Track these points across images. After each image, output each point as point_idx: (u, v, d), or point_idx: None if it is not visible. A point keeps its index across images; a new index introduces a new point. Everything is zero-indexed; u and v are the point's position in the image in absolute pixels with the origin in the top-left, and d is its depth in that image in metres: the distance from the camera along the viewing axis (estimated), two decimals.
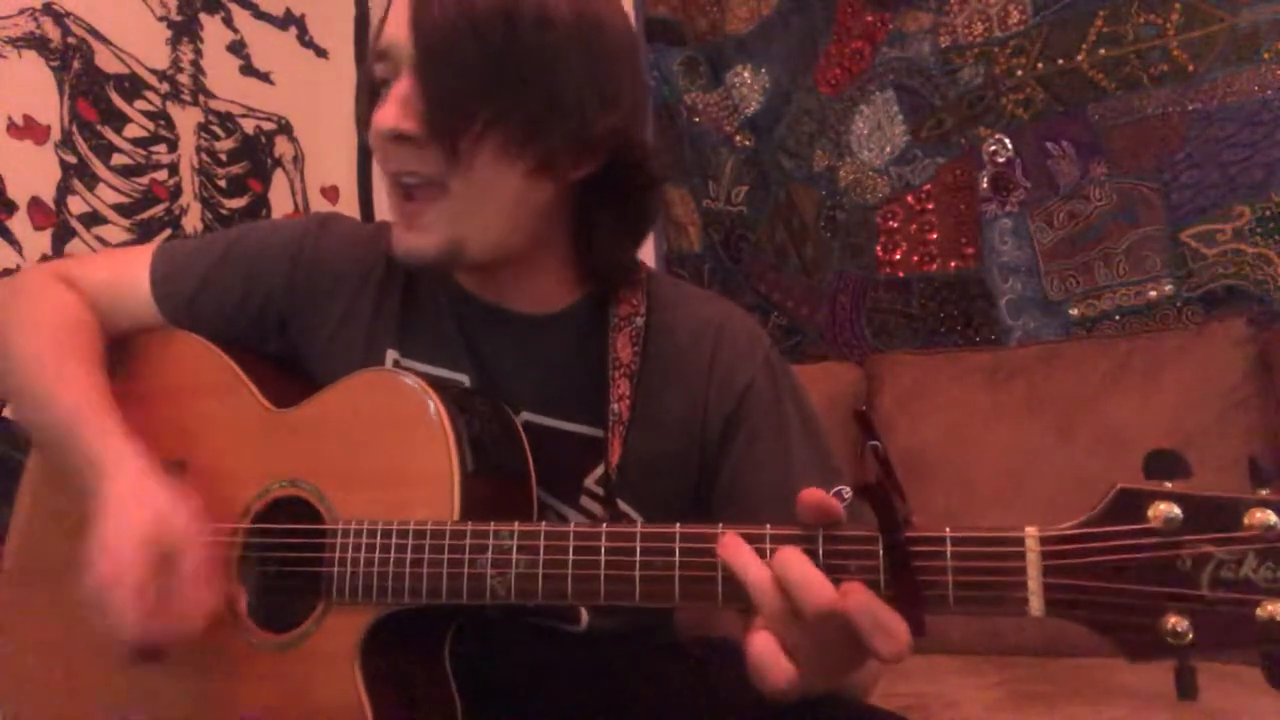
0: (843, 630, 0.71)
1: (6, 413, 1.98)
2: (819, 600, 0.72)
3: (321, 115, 2.81)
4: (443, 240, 0.98)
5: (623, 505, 1.04)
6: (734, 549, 0.77)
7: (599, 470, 1.04)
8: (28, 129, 2.17)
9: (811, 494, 0.76)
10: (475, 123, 0.93)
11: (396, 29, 0.95)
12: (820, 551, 0.75)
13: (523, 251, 1.04)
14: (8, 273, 2.07)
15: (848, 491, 0.99)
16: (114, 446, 0.99)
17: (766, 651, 0.74)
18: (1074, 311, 2.31)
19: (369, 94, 1.01)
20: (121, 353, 1.14)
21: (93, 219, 2.26)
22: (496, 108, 0.93)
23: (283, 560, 0.98)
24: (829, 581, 0.72)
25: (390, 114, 0.94)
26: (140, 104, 2.38)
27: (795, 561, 0.74)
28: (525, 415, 1.06)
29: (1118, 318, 2.26)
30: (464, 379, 1.07)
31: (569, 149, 0.98)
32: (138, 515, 0.93)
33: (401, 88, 0.95)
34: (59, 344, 1.08)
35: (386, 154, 0.97)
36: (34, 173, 2.16)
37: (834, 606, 0.71)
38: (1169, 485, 0.67)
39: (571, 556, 0.84)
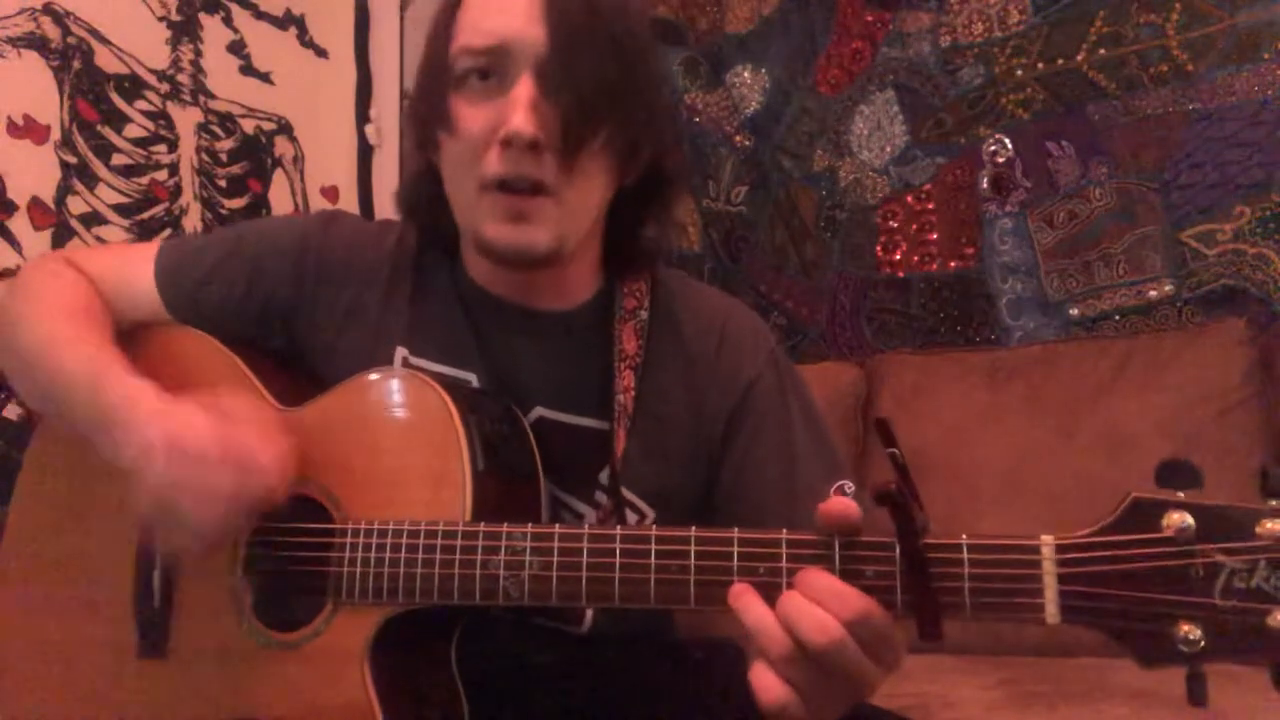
0: (850, 662, 0.73)
1: (6, 412, 1.98)
2: (824, 638, 0.73)
3: (321, 115, 2.81)
4: (554, 237, 0.97)
5: (631, 496, 1.05)
6: (741, 597, 0.78)
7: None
8: (28, 129, 2.16)
9: (831, 507, 0.76)
10: (599, 136, 0.94)
11: (515, 27, 0.94)
12: (837, 558, 0.76)
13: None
14: (7, 273, 2.07)
15: (850, 487, 1.00)
16: (144, 386, 0.96)
17: (758, 676, 0.75)
18: (1074, 311, 2.32)
19: (444, 87, 0.98)
20: (126, 348, 1.12)
21: (93, 219, 2.26)
22: (619, 119, 0.94)
23: (291, 559, 0.97)
24: (832, 617, 0.73)
25: (523, 119, 0.92)
26: (140, 104, 2.38)
27: (796, 605, 0.75)
28: (539, 411, 1.06)
29: (1118, 318, 2.26)
30: (472, 378, 1.07)
31: (647, 159, 1.01)
32: (186, 408, 0.91)
33: (527, 92, 0.93)
34: (73, 315, 1.07)
35: (498, 157, 0.94)
36: (34, 173, 2.16)
37: (838, 640, 0.73)
38: (1181, 495, 0.68)
39: (586, 559, 0.85)
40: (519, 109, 0.92)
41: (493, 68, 0.95)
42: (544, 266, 1.01)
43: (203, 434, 0.89)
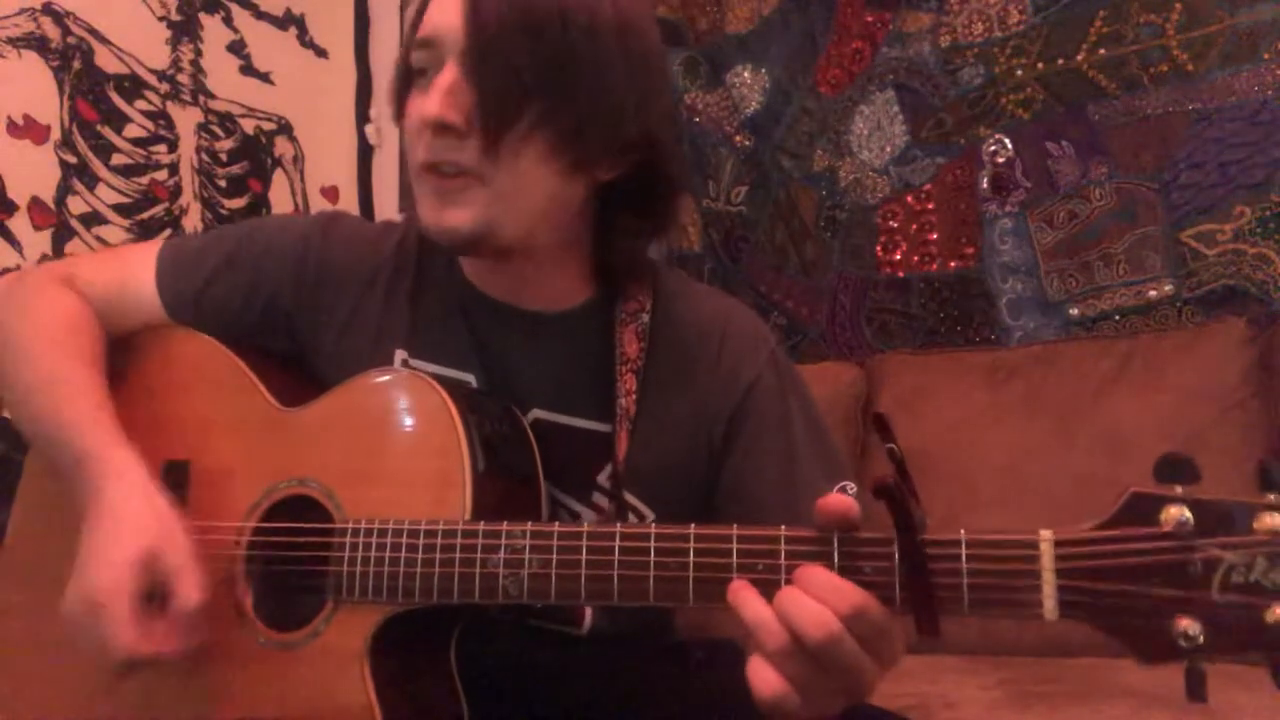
0: (847, 656, 0.73)
1: (6, 412, 1.98)
2: (821, 632, 0.73)
3: (321, 115, 2.81)
4: (477, 220, 0.97)
5: (631, 499, 1.05)
6: (739, 593, 0.78)
7: (609, 466, 1.05)
8: (28, 129, 2.17)
9: (829, 502, 0.77)
10: (522, 120, 0.93)
11: (444, 18, 0.95)
12: (835, 555, 0.76)
13: (546, 248, 1.04)
14: (8, 273, 2.07)
15: (852, 488, 0.99)
16: (116, 453, 0.98)
17: (755, 670, 0.75)
18: (1074, 311, 2.31)
19: (403, 82, 1.01)
20: (128, 350, 1.13)
21: (93, 219, 2.26)
22: (544, 107, 0.93)
23: (291, 559, 0.97)
24: (829, 611, 0.73)
25: (434, 103, 0.94)
26: (140, 104, 2.38)
27: (794, 601, 0.75)
28: (536, 412, 1.06)
29: (1118, 318, 2.26)
30: (471, 379, 1.07)
31: (606, 152, 0.99)
32: (137, 530, 0.92)
33: (447, 78, 0.95)
34: (56, 344, 1.07)
35: (425, 143, 0.97)
36: (34, 173, 2.16)
37: (835, 634, 0.73)
38: (1180, 489, 0.68)
39: (585, 557, 0.85)
40: (434, 93, 0.94)
41: (430, 59, 0.97)
42: (482, 251, 1.02)
43: (130, 575, 0.90)
